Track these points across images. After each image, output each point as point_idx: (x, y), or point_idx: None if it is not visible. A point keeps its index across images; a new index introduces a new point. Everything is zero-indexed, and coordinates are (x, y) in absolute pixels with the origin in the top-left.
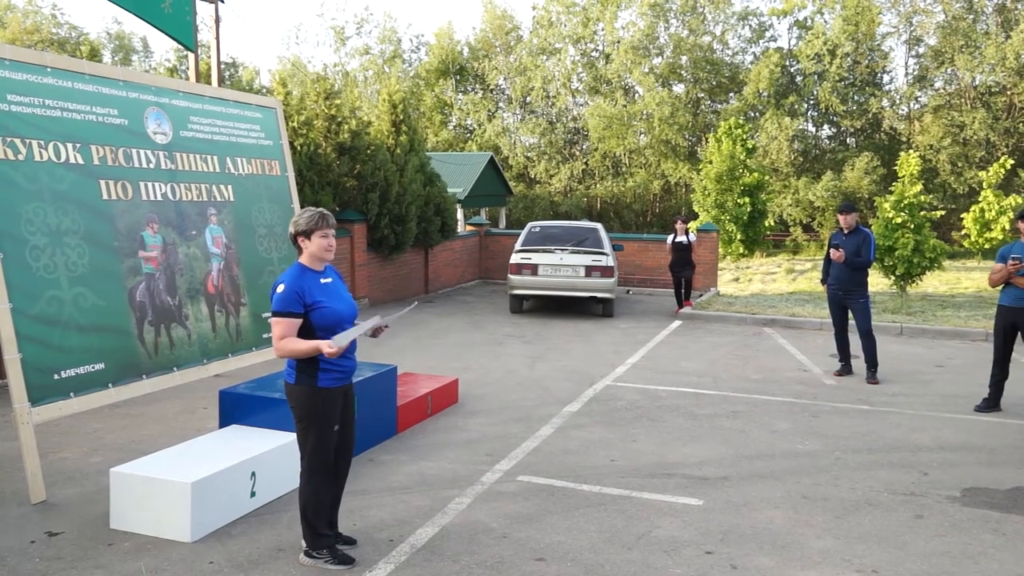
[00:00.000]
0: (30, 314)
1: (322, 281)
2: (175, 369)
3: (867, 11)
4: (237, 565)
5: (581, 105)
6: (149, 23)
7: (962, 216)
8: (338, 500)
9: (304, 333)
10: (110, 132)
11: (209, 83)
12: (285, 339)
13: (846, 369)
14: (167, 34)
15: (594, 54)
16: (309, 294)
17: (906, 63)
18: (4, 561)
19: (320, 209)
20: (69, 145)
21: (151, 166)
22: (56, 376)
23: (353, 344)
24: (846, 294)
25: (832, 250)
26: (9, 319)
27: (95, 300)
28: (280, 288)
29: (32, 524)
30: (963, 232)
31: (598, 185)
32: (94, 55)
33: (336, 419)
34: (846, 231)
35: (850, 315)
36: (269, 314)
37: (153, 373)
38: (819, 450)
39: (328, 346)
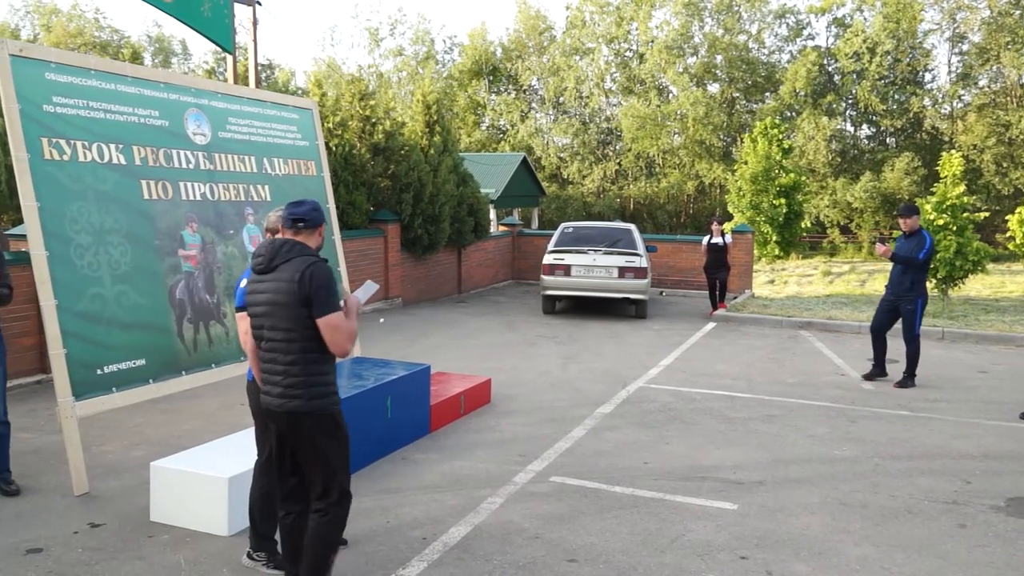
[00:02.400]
0: (74, 311)
1: None
2: (213, 366)
3: (908, 8)
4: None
5: (614, 105)
6: (189, 26)
7: (1007, 218)
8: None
9: None
10: (151, 133)
11: (247, 85)
12: (247, 333)
13: (877, 372)
14: (206, 37)
15: (628, 54)
16: None
17: (949, 61)
18: (49, 551)
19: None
20: (112, 146)
21: (191, 166)
22: (99, 371)
23: None
24: (898, 297)
25: (878, 244)
26: (55, 316)
27: (137, 298)
28: (242, 283)
29: (75, 515)
30: (1008, 234)
31: (631, 186)
32: (136, 58)
33: None
34: (907, 233)
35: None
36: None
37: (192, 369)
38: (857, 456)
39: None
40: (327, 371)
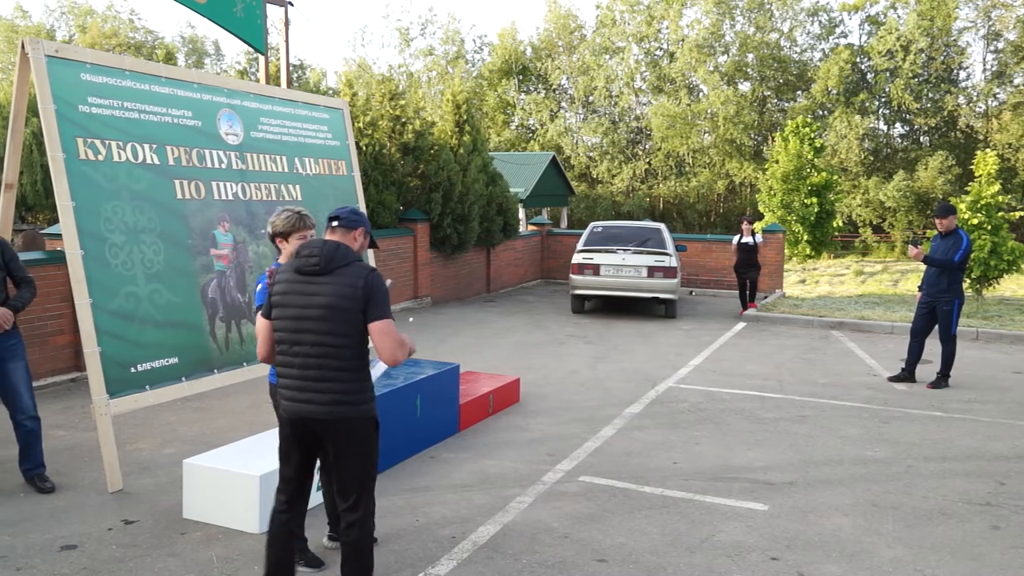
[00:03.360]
0: (109, 309)
1: None
2: (244, 364)
3: (943, 5)
4: None
5: (644, 104)
6: (222, 27)
7: None
8: (332, 507)
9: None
10: (185, 133)
11: (278, 85)
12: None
13: (906, 376)
14: (239, 37)
15: (658, 53)
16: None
17: (984, 59)
18: (83, 547)
19: (298, 210)
20: (146, 146)
21: (223, 166)
22: (133, 370)
23: None
24: (934, 298)
25: (911, 247)
26: (89, 314)
27: (170, 296)
28: (259, 287)
29: (109, 512)
30: None
31: (661, 185)
32: (169, 58)
33: None
34: (943, 233)
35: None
36: None
37: (224, 368)
38: (890, 457)
39: None
40: (369, 377)
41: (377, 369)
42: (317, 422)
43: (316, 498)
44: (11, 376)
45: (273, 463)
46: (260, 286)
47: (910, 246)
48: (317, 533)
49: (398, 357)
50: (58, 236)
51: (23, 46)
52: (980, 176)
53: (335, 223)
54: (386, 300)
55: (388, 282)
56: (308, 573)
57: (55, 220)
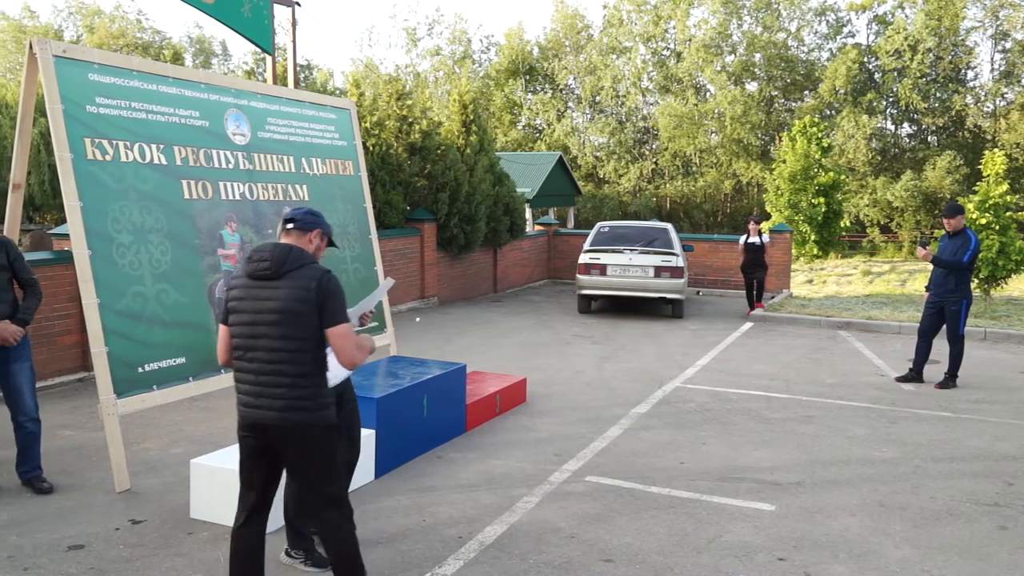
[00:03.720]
0: (116, 309)
1: None
2: None
3: (951, 5)
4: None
5: (651, 104)
6: (229, 27)
7: None
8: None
9: None
10: (192, 133)
11: (286, 85)
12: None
13: (913, 376)
14: (246, 37)
15: (665, 52)
16: None
17: (992, 58)
18: (91, 547)
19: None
20: (153, 146)
21: (230, 166)
22: (140, 369)
23: None
24: (942, 298)
25: (919, 248)
26: (97, 314)
27: (177, 296)
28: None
29: (117, 512)
30: None
31: (668, 185)
32: (177, 58)
33: None
34: (951, 233)
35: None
36: None
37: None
38: (897, 457)
39: None
40: (326, 382)
41: (333, 373)
42: (273, 428)
43: None
44: (16, 377)
45: None
46: None
47: (918, 247)
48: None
49: (356, 361)
50: (66, 236)
51: (31, 46)
52: (988, 176)
53: (289, 225)
54: (342, 303)
55: (390, 283)
56: (315, 573)
57: (63, 220)
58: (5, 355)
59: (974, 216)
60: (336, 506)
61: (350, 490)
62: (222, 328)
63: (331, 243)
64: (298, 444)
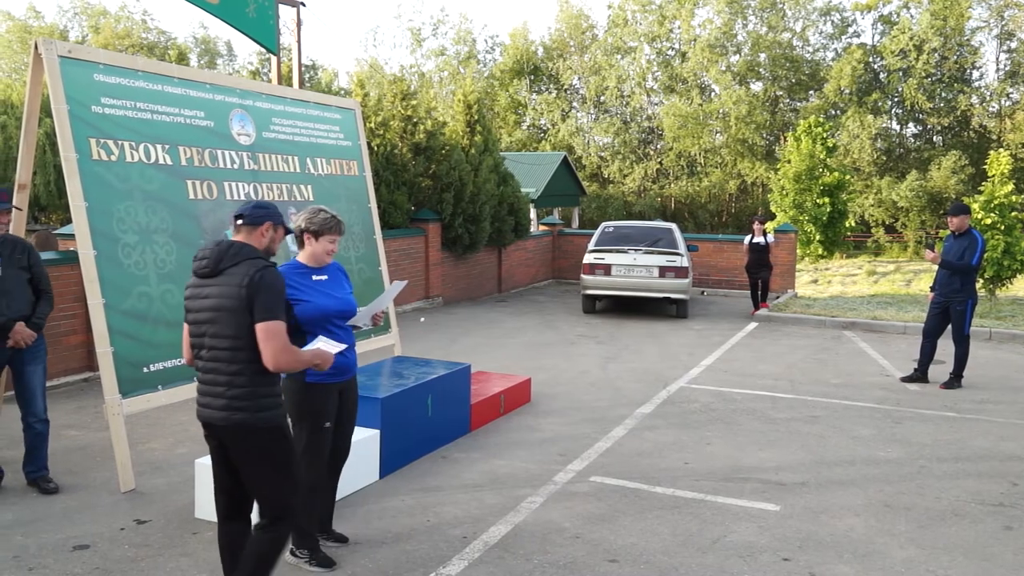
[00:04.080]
0: (121, 309)
1: (314, 278)
2: None
3: (956, 5)
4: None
5: (656, 104)
6: (234, 27)
7: None
8: (332, 499)
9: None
10: (197, 134)
11: (290, 85)
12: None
13: (918, 376)
14: (251, 38)
15: (670, 52)
16: (292, 292)
17: (997, 58)
18: (96, 547)
19: (335, 214)
20: (158, 146)
21: (235, 166)
22: (145, 369)
23: (351, 339)
24: (948, 298)
25: (927, 251)
26: (102, 314)
27: (182, 296)
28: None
29: (122, 512)
30: None
31: (672, 185)
32: (182, 59)
33: (328, 416)
34: (956, 233)
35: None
36: None
37: None
38: (902, 457)
39: (327, 359)
40: (274, 381)
41: (323, 343)
42: (218, 428)
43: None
44: (30, 378)
45: None
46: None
47: (926, 250)
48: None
49: (280, 363)
50: (71, 236)
51: (36, 47)
52: (993, 176)
53: (240, 221)
54: (274, 299)
55: (402, 284)
56: (319, 573)
57: (68, 220)
58: (20, 356)
59: (979, 216)
60: (280, 517)
61: (354, 491)
62: (186, 326)
63: (287, 230)
64: (242, 444)
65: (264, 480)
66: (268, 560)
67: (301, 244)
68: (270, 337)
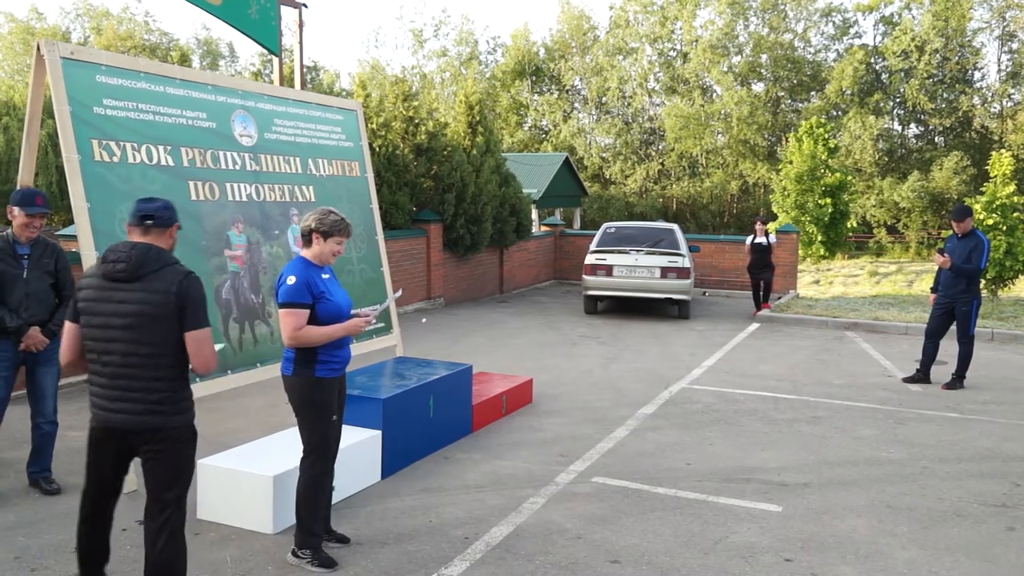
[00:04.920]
0: None
1: (323, 276)
2: (258, 365)
3: (957, 6)
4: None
5: (657, 105)
6: (236, 28)
7: None
8: (329, 496)
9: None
10: (199, 135)
11: (292, 86)
12: (302, 329)
13: (920, 377)
14: (253, 39)
15: (671, 53)
16: (316, 285)
17: (999, 59)
18: None
19: (344, 216)
20: (160, 148)
21: (237, 167)
22: None
23: (349, 337)
24: (952, 299)
25: (937, 255)
26: None
27: None
28: (290, 280)
29: (123, 513)
30: None
31: (674, 186)
32: (184, 60)
33: (334, 409)
34: (960, 235)
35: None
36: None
37: (238, 368)
38: (905, 458)
39: (364, 321)
40: (188, 385)
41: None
42: (129, 432)
43: (336, 494)
44: (42, 379)
45: (289, 463)
46: (293, 279)
47: (937, 254)
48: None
49: (211, 366)
50: (73, 237)
51: (39, 48)
52: (995, 176)
53: (149, 222)
54: (203, 306)
55: (398, 293)
56: (322, 574)
57: (70, 221)
58: (34, 356)
59: (981, 217)
60: (179, 507)
61: (356, 491)
62: (68, 326)
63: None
64: (158, 445)
65: (175, 478)
66: (184, 555)
67: (308, 243)
68: (203, 343)
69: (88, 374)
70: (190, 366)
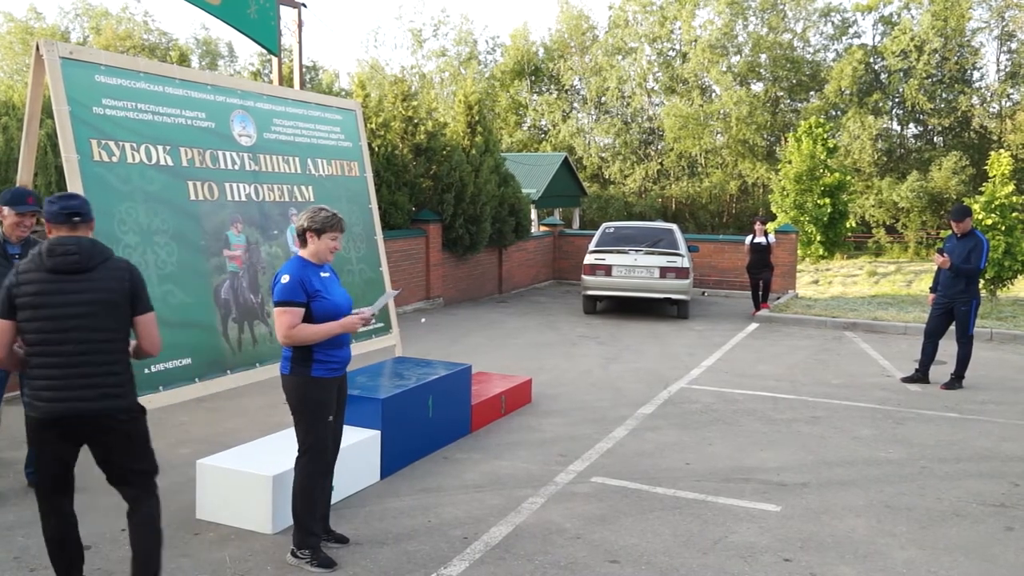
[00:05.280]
0: None
1: (321, 275)
2: (257, 365)
3: (956, 6)
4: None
5: (657, 105)
6: (235, 28)
7: None
8: (328, 496)
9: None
10: (198, 135)
11: (291, 86)
12: (296, 327)
13: (919, 377)
14: (252, 39)
15: (670, 53)
16: (310, 284)
17: (998, 59)
18: (97, 548)
19: (335, 212)
20: (160, 147)
21: (236, 167)
22: (146, 370)
23: (349, 336)
24: (951, 299)
25: (937, 255)
26: None
27: (183, 297)
28: (284, 279)
29: (122, 513)
30: None
31: (673, 185)
32: (183, 60)
33: (331, 410)
34: (959, 235)
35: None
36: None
37: (237, 368)
38: (903, 458)
39: (359, 319)
40: (131, 367)
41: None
42: (85, 419)
43: (335, 494)
44: None
45: (288, 463)
46: (288, 278)
47: (936, 254)
48: (335, 528)
49: (159, 348)
50: None
51: (38, 48)
52: (994, 176)
53: (76, 219)
54: (146, 290)
55: (396, 291)
56: (321, 574)
57: None
58: None
59: (980, 217)
60: (152, 484)
61: (355, 492)
62: (4, 323)
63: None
64: (119, 428)
65: (139, 455)
66: (161, 532)
67: (304, 243)
68: (152, 326)
69: (28, 368)
70: (139, 348)
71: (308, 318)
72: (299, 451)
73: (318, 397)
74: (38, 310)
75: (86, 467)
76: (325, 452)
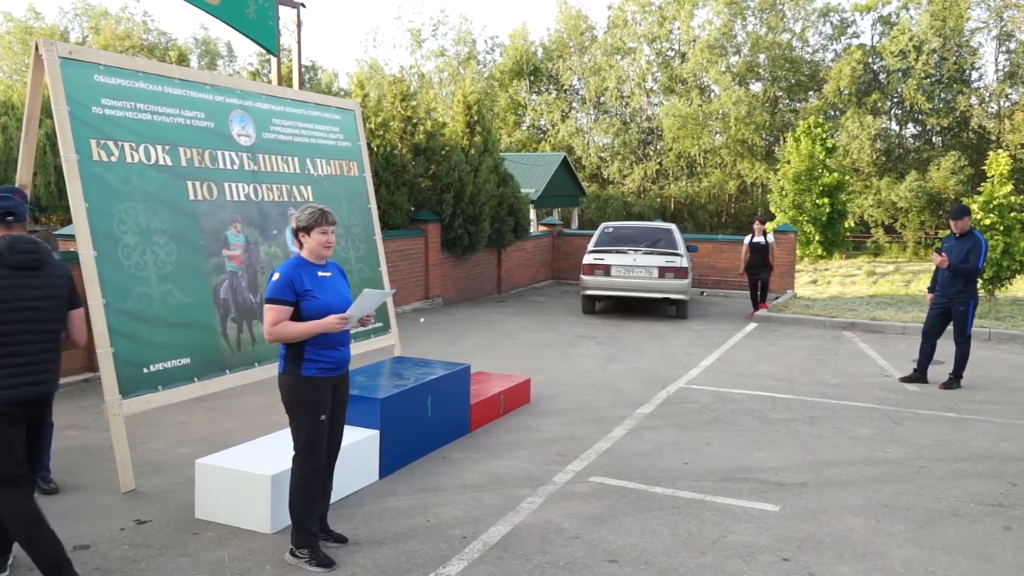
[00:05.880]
0: (121, 310)
1: (319, 274)
2: (256, 364)
3: (955, 6)
4: None
5: (655, 105)
6: (234, 28)
7: None
8: (327, 496)
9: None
10: (197, 135)
11: (290, 86)
12: (279, 325)
13: (917, 377)
14: (251, 38)
15: (669, 53)
16: (300, 283)
17: (996, 59)
18: (96, 547)
19: (321, 207)
20: (159, 147)
21: (235, 167)
22: (145, 370)
23: (346, 337)
24: (949, 299)
25: (935, 255)
26: (102, 314)
27: (182, 297)
28: (275, 276)
29: (122, 512)
30: None
31: (672, 185)
32: (182, 60)
33: (324, 409)
34: (957, 235)
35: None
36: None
37: (235, 368)
38: (902, 458)
39: (338, 320)
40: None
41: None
42: (40, 401)
43: (333, 494)
44: None
45: (285, 463)
46: (278, 275)
47: (935, 254)
48: (331, 529)
49: (84, 339)
50: (71, 237)
51: (37, 48)
52: (992, 176)
53: (11, 218)
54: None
55: (393, 290)
56: (319, 573)
57: (68, 221)
58: None
59: (978, 216)
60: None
61: (354, 491)
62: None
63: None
64: (47, 408)
65: (48, 433)
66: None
67: (300, 244)
68: (82, 319)
69: None
70: (70, 339)
71: (298, 316)
72: (294, 450)
73: (310, 396)
74: (16, 302)
75: (86, 467)
76: (319, 451)
